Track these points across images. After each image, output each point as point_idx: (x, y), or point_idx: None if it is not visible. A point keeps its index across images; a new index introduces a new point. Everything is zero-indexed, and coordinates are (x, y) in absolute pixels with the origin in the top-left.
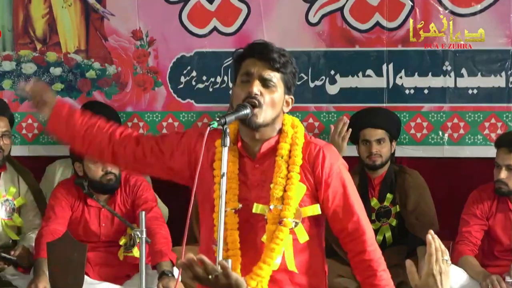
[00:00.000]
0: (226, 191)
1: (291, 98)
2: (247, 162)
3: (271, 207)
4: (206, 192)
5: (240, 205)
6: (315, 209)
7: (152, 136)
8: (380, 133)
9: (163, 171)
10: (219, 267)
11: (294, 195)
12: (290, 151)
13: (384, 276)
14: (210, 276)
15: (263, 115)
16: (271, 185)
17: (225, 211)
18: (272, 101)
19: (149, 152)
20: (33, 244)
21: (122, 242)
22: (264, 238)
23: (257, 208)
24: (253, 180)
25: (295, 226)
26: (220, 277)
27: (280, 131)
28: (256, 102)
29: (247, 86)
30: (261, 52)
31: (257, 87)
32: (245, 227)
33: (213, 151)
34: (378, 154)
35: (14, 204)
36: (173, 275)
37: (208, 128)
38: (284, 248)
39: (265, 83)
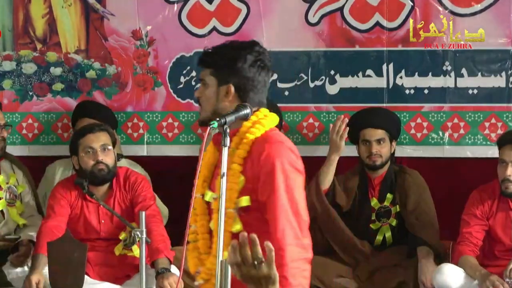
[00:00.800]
0: (198, 177)
1: (228, 86)
2: (219, 153)
3: (215, 196)
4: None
5: (199, 195)
6: (245, 200)
7: None
8: (380, 133)
9: None
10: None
11: (232, 186)
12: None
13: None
14: (255, 262)
15: (203, 113)
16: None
17: (195, 197)
18: (206, 97)
19: None
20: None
21: (122, 236)
22: (211, 224)
23: (207, 195)
24: (217, 169)
25: (236, 214)
26: (263, 266)
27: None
28: (199, 103)
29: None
30: (199, 58)
31: (198, 91)
32: (212, 215)
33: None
34: (378, 154)
35: (16, 191)
36: (169, 271)
37: (208, 128)
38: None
39: (202, 82)
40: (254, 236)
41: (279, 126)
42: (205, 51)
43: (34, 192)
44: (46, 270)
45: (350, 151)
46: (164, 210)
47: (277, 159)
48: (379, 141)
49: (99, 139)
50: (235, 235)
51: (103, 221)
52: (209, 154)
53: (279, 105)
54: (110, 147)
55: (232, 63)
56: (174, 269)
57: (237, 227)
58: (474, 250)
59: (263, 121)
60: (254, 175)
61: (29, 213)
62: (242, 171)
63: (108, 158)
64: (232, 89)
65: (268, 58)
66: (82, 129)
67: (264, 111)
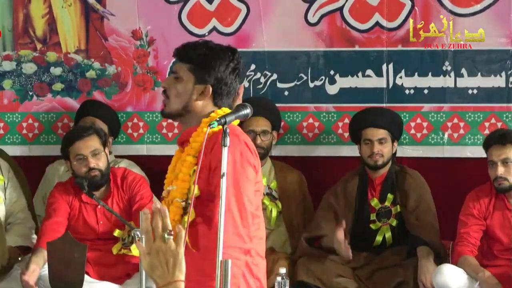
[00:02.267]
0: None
1: (206, 87)
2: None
3: (169, 188)
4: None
5: (164, 193)
6: (196, 191)
7: None
8: (382, 133)
9: None
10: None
11: (185, 177)
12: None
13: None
14: (164, 234)
15: (169, 106)
16: None
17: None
18: (176, 91)
19: None
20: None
21: (116, 233)
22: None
23: (165, 190)
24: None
25: (184, 205)
26: (171, 241)
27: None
28: (165, 95)
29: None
30: (176, 50)
31: (165, 82)
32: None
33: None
34: (380, 154)
35: None
36: None
37: (208, 128)
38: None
39: (174, 75)
40: (164, 208)
41: (278, 127)
42: (185, 45)
43: (24, 188)
44: (45, 270)
45: (352, 151)
46: None
47: (229, 150)
48: (380, 141)
49: (88, 145)
50: (191, 225)
51: (101, 222)
52: (175, 158)
53: (279, 105)
54: (101, 151)
55: (213, 64)
56: None
57: (192, 217)
58: (472, 250)
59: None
60: (205, 165)
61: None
62: (196, 163)
63: (100, 162)
64: (210, 90)
65: (243, 67)
66: (70, 135)
67: (225, 109)
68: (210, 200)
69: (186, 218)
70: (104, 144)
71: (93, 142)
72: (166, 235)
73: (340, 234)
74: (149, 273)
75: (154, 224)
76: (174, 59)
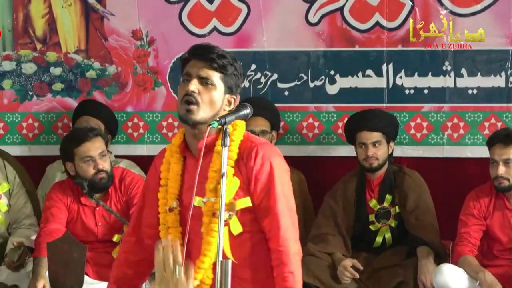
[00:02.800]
0: (167, 191)
1: (234, 98)
2: (189, 160)
3: (205, 200)
4: (153, 196)
5: (175, 203)
6: (246, 202)
7: (136, 217)
8: (376, 135)
9: None
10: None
11: (229, 189)
12: None
13: (289, 279)
14: (176, 268)
15: (200, 113)
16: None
17: (165, 211)
18: (210, 99)
19: (155, 221)
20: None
21: (115, 238)
22: (203, 229)
23: (195, 200)
24: (194, 177)
25: (229, 218)
26: (182, 277)
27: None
28: (193, 99)
29: (186, 85)
30: (201, 54)
31: (194, 86)
32: (191, 222)
33: (160, 162)
34: (375, 157)
35: None
36: None
37: (208, 128)
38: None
39: (203, 81)
40: (176, 242)
41: (277, 127)
42: (217, 53)
43: (32, 194)
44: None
45: (351, 151)
46: None
47: (272, 159)
48: (374, 143)
49: (96, 147)
50: (235, 238)
51: (99, 224)
52: (172, 164)
53: (279, 105)
54: (106, 152)
55: (240, 79)
56: None
57: (239, 229)
58: (472, 250)
59: (238, 122)
60: (248, 177)
61: (20, 216)
62: (235, 173)
63: (106, 164)
64: (237, 101)
65: None
66: (75, 136)
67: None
68: (252, 211)
69: (235, 229)
70: (106, 145)
71: (100, 144)
72: (177, 269)
73: (347, 263)
74: None
75: (165, 256)
76: (194, 62)
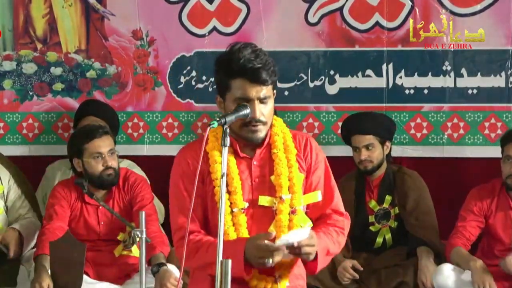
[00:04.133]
0: (230, 192)
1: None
2: (243, 161)
3: (284, 197)
4: (212, 196)
5: (247, 204)
6: (315, 196)
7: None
8: (368, 138)
9: None
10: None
11: (298, 183)
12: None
13: (338, 238)
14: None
15: (265, 130)
16: (272, 177)
17: (232, 211)
18: (270, 113)
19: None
20: (21, 229)
21: (120, 237)
22: (271, 228)
23: (263, 200)
24: (254, 177)
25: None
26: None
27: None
28: (260, 123)
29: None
30: (253, 74)
31: (259, 111)
32: (252, 223)
33: (206, 158)
34: (368, 160)
35: None
36: (165, 266)
37: (208, 128)
38: None
39: (262, 101)
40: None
41: None
42: (269, 70)
43: (29, 196)
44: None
45: (351, 151)
46: (161, 208)
47: (320, 151)
48: (367, 146)
49: (106, 144)
50: None
51: (102, 223)
52: (232, 165)
53: (279, 105)
54: (115, 150)
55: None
56: (173, 268)
57: (310, 223)
58: (466, 244)
59: (278, 119)
60: (306, 170)
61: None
62: (299, 167)
63: (114, 162)
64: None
65: None
66: (86, 133)
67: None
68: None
69: (305, 222)
70: (115, 143)
71: (110, 141)
72: None
73: (347, 264)
74: None
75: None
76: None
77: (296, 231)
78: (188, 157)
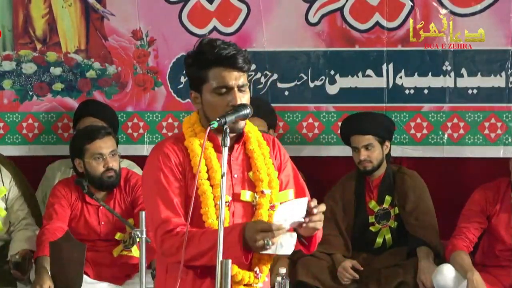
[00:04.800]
0: (213, 186)
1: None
2: (221, 157)
3: (266, 191)
4: (194, 189)
5: (230, 198)
6: (286, 195)
7: (176, 202)
8: (367, 138)
9: None
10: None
11: (276, 179)
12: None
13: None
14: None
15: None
16: (250, 173)
17: (216, 205)
18: (248, 101)
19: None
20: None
21: (118, 236)
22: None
23: (244, 195)
24: (233, 172)
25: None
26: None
27: None
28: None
29: (225, 96)
30: (229, 60)
31: (239, 99)
32: (234, 218)
33: (186, 153)
34: (368, 160)
35: None
36: None
37: (208, 128)
38: None
39: (241, 89)
40: None
41: (274, 125)
42: (243, 56)
43: (28, 196)
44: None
45: (350, 151)
46: None
47: (286, 151)
48: (366, 147)
49: (108, 145)
50: None
51: (102, 223)
52: (214, 158)
53: (279, 105)
54: (116, 152)
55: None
56: None
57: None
58: (468, 246)
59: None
60: (277, 167)
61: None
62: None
63: (115, 163)
64: None
65: None
66: (88, 133)
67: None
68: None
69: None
70: (117, 145)
71: (112, 142)
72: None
73: (347, 264)
74: None
75: None
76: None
77: (288, 204)
78: (168, 151)
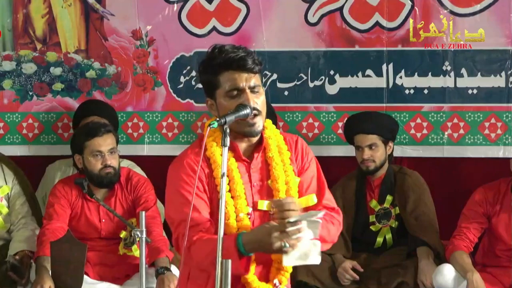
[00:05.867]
0: (234, 197)
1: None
2: (243, 165)
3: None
4: (216, 201)
5: (251, 208)
6: (311, 200)
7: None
8: (371, 138)
9: None
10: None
11: (294, 187)
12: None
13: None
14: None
15: (261, 121)
16: (269, 182)
17: (237, 216)
18: (263, 104)
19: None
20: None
21: (122, 235)
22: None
23: (262, 204)
24: (253, 181)
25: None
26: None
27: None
28: (257, 111)
29: (238, 99)
30: (239, 62)
31: (252, 100)
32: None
33: (208, 163)
34: (371, 159)
35: None
36: (169, 271)
37: (208, 128)
38: None
39: (253, 90)
40: None
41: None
42: (253, 57)
43: (28, 195)
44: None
45: (351, 151)
46: (163, 209)
47: (310, 150)
48: (370, 146)
49: (107, 143)
50: None
51: (103, 221)
52: (234, 169)
53: (279, 105)
54: (116, 150)
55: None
56: (174, 269)
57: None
58: (468, 246)
59: (268, 121)
60: (298, 169)
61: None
62: (293, 170)
63: (114, 161)
64: None
65: None
66: (88, 130)
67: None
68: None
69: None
70: (117, 143)
71: (111, 140)
72: None
73: (347, 265)
74: None
75: None
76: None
77: (307, 214)
78: (191, 162)
